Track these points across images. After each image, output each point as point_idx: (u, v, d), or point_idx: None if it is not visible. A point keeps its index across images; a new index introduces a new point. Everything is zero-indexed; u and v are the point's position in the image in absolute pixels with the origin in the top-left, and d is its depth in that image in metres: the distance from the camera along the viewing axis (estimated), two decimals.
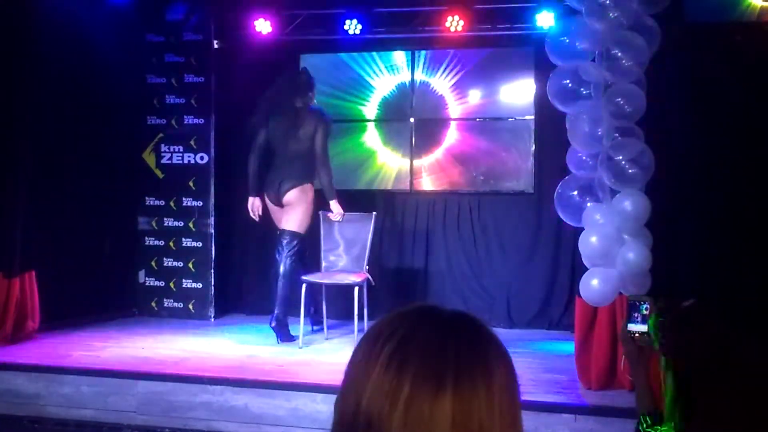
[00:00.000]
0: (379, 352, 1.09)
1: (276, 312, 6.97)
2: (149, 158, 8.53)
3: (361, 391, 1.08)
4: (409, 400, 1.04)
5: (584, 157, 5.45)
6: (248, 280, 8.75)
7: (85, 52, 7.68)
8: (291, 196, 7.03)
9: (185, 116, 8.43)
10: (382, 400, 1.05)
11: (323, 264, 7.27)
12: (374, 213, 7.29)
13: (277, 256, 7.06)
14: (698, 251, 5.40)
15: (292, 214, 7.03)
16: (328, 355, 6.63)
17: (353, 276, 6.97)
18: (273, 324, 7.00)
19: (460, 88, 8.45)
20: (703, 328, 2.21)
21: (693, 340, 2.20)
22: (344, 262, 7.27)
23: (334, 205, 7.11)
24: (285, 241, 7.02)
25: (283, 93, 7.12)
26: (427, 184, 8.51)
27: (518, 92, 8.30)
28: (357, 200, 7.97)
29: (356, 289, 6.83)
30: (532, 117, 8.12)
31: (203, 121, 8.38)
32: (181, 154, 8.44)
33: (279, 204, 7.10)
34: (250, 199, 7.21)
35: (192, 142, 8.40)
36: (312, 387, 5.58)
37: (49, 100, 7.26)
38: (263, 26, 8.20)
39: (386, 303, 7.70)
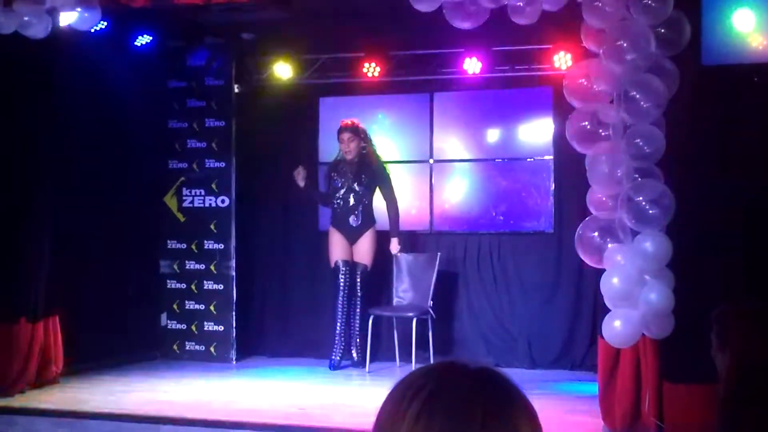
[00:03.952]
0: (405, 409, 1.10)
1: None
2: (171, 202, 8.61)
3: None
4: None
5: (604, 198, 5.45)
6: (270, 323, 8.75)
7: (108, 98, 7.80)
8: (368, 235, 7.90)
9: (206, 160, 8.51)
10: None
11: (394, 300, 8.04)
12: (439, 253, 7.91)
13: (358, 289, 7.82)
14: (722, 292, 5.36)
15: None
16: (350, 397, 6.62)
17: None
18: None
19: (478, 128, 8.49)
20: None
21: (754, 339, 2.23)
22: (409, 298, 7.98)
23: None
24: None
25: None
26: (446, 224, 8.51)
27: (537, 132, 8.32)
28: (380, 241, 7.99)
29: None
30: (551, 157, 8.13)
31: (224, 164, 8.46)
32: (202, 198, 8.51)
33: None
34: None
35: (213, 186, 8.46)
36: (334, 431, 5.55)
37: (73, 145, 7.34)
38: (283, 70, 8.30)
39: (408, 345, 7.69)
